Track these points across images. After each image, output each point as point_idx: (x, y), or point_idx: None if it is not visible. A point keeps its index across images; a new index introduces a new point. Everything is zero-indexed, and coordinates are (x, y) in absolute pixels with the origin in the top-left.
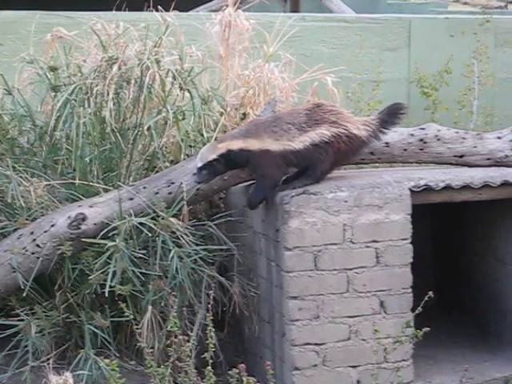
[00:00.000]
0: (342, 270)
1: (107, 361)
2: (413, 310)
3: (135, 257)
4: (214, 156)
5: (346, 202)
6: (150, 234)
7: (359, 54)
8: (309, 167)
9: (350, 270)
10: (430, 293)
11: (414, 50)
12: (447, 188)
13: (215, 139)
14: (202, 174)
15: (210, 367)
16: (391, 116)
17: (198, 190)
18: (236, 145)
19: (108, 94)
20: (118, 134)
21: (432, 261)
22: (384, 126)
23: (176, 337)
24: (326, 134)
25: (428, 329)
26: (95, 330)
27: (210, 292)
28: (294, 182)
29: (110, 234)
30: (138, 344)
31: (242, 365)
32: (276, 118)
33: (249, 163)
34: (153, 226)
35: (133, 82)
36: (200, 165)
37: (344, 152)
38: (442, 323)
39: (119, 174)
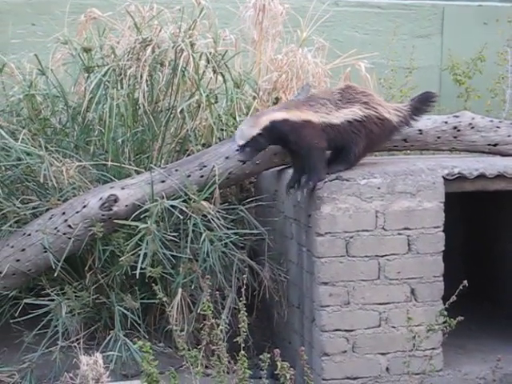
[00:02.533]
0: (373, 256)
1: (140, 342)
2: (443, 298)
3: (166, 239)
4: (256, 130)
5: (378, 188)
6: (181, 217)
7: (392, 41)
8: (343, 149)
9: (382, 257)
10: (465, 281)
11: (447, 37)
12: (481, 177)
13: (254, 115)
14: (246, 151)
15: (242, 351)
16: (423, 103)
17: (229, 173)
18: (279, 116)
19: (141, 76)
20: (150, 116)
21: (462, 248)
22: (415, 113)
23: (209, 320)
24: (359, 113)
25: (461, 318)
26: (125, 312)
27: (243, 276)
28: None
29: (141, 216)
30: (168, 326)
31: (277, 349)
32: (310, 96)
33: (291, 135)
34: (184, 209)
35: (166, 64)
36: (242, 142)
37: (376, 135)
38: (471, 312)
39: (151, 156)
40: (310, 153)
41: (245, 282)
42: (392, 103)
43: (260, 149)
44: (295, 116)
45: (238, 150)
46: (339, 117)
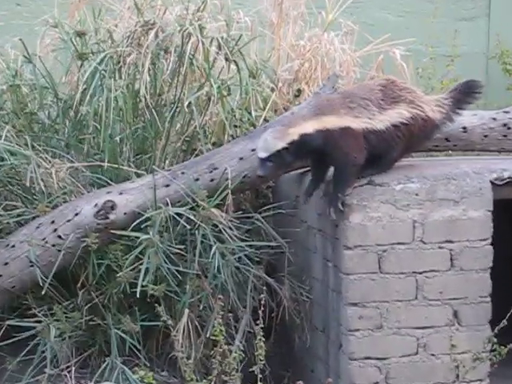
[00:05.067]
0: (410, 273)
1: (142, 372)
2: (490, 321)
3: (171, 252)
4: (283, 144)
5: (416, 195)
6: (188, 227)
7: (431, 24)
8: (381, 155)
9: (420, 273)
10: None
11: (495, 21)
12: None
13: (281, 124)
14: (267, 165)
15: (259, 383)
16: (466, 95)
17: (244, 177)
18: (309, 127)
19: (143, 65)
20: (153, 111)
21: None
22: (458, 106)
23: (220, 346)
24: (406, 114)
25: None
26: (123, 335)
27: (261, 296)
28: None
29: (142, 226)
30: (172, 353)
31: (300, 382)
32: (347, 93)
33: (326, 146)
34: (192, 218)
35: (172, 51)
36: (265, 155)
37: (417, 137)
38: None
39: (154, 157)
40: (346, 169)
41: (262, 301)
42: (432, 96)
43: (284, 165)
44: (329, 123)
45: (259, 163)
46: (384, 120)
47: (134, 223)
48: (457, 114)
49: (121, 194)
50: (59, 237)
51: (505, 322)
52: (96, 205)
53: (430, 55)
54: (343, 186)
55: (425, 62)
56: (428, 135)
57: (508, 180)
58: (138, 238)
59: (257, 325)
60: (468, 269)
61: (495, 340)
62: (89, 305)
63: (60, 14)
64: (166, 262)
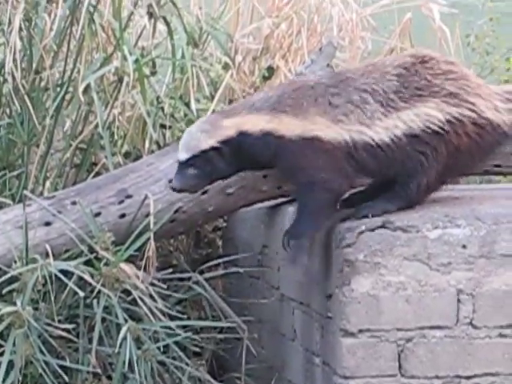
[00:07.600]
0: (451, 378)
1: None
2: None
3: (52, 336)
4: (212, 142)
5: (464, 247)
6: (81, 294)
7: None
8: (398, 178)
9: (468, 378)
10: None
11: None
12: None
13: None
14: (188, 174)
15: None
16: None
17: (176, 211)
18: (256, 123)
19: (10, 21)
20: (26, 98)
21: None
22: None
23: None
24: (437, 117)
25: None
26: None
27: None
28: (366, 203)
29: (4, 291)
30: None
31: None
32: (339, 78)
33: (278, 161)
34: (87, 279)
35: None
36: (184, 157)
37: (466, 154)
38: None
39: (26, 175)
40: (311, 194)
41: None
42: (497, 87)
43: (213, 174)
44: (287, 127)
45: (176, 170)
46: (390, 127)
47: None
48: None
49: None
50: None
51: None
52: None
53: (489, 15)
54: (304, 222)
55: (480, 25)
56: (486, 151)
57: None
58: None
59: None
60: None
61: None
62: None
63: None
64: (42, 352)
